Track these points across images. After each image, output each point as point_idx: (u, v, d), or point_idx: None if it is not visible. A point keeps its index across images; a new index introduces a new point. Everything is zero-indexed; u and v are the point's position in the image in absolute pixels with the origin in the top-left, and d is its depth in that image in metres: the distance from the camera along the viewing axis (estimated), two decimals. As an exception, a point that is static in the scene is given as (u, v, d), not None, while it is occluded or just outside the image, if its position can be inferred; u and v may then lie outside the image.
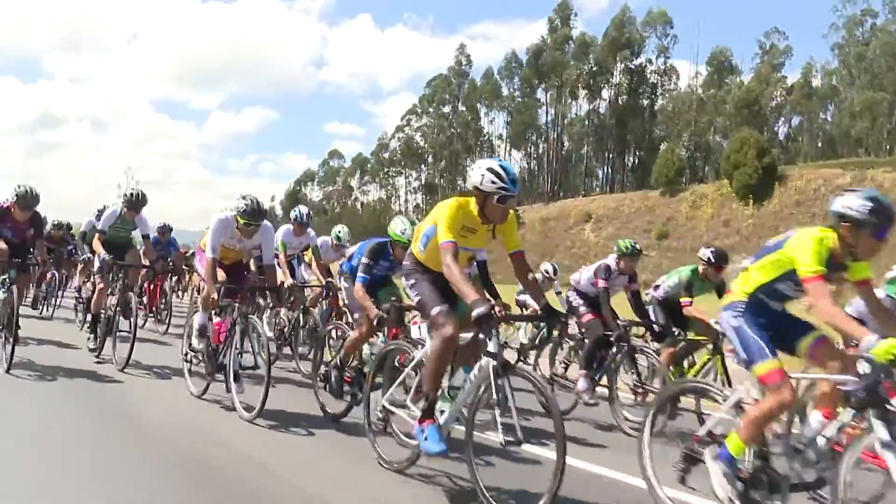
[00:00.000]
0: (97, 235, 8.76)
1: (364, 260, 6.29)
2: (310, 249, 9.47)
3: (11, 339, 7.18)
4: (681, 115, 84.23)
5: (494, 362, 4.14)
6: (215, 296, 6.43)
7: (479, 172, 4.38)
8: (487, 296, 5.91)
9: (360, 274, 6.25)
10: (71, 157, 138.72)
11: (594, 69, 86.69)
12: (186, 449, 4.89)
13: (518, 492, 4.29)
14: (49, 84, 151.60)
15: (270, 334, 7.75)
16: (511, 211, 4.54)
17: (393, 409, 4.85)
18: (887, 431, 3.39)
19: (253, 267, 7.90)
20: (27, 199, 7.57)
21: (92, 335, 8.52)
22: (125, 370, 7.54)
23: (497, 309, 4.13)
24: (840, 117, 78.35)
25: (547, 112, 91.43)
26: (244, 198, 6.63)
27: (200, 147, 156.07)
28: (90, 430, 5.26)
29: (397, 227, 6.28)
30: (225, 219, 6.71)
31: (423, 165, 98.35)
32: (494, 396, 4.08)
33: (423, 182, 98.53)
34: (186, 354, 6.95)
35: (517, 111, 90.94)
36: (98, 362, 7.93)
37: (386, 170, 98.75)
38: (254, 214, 6.54)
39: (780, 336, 3.98)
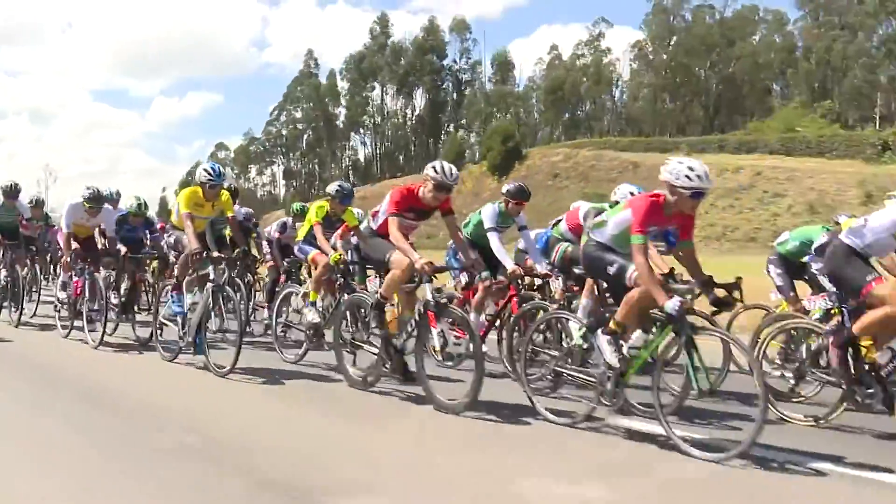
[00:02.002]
0: None
1: (114, 226, 7.97)
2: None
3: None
4: (471, 106, 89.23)
5: (213, 286, 5.90)
6: (67, 259, 7.70)
7: (199, 172, 6.27)
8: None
9: (113, 233, 7.96)
10: (12, 150, 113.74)
11: (407, 71, 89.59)
12: (54, 365, 6.75)
13: (219, 363, 5.86)
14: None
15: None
16: (224, 190, 6.38)
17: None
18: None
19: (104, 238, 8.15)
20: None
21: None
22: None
23: (204, 252, 5.89)
24: (628, 100, 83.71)
25: (373, 108, 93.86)
26: (88, 188, 7.55)
27: (145, 135, 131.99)
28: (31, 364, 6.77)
29: (127, 202, 8.56)
30: (75, 203, 7.70)
31: (290, 154, 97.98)
32: (212, 307, 5.91)
33: (286, 169, 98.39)
34: (55, 305, 8.27)
35: (348, 108, 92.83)
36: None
37: (252, 161, 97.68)
38: (95, 200, 7.51)
39: None
